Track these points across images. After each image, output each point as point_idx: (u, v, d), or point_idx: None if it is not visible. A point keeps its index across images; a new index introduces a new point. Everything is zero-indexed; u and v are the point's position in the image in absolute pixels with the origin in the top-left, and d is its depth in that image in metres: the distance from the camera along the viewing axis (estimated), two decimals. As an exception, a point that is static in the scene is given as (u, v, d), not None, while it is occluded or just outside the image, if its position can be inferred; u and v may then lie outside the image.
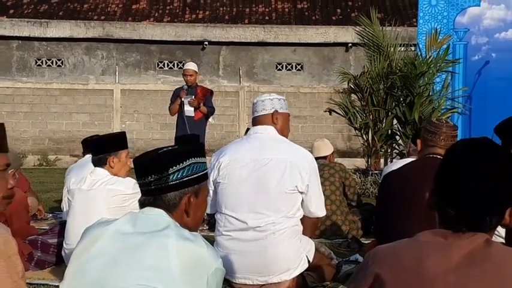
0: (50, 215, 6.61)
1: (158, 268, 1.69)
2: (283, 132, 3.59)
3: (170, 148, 1.94)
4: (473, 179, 1.49)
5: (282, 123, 3.56)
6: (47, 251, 4.34)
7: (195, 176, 1.90)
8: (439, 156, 3.19)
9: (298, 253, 3.46)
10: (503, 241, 2.76)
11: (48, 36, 16.72)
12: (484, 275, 1.43)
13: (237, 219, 3.42)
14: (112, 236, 1.78)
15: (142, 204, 1.88)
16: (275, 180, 3.38)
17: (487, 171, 1.50)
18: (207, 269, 1.73)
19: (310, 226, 3.66)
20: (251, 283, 3.45)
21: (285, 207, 3.39)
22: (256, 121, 3.57)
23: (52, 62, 17.09)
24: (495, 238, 1.68)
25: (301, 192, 3.43)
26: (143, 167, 1.89)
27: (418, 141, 3.47)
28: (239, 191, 3.42)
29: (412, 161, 3.58)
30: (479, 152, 1.53)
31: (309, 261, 3.52)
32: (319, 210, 3.56)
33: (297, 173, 3.39)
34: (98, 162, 3.97)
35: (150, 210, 1.84)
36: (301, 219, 3.59)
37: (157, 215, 1.82)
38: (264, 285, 3.47)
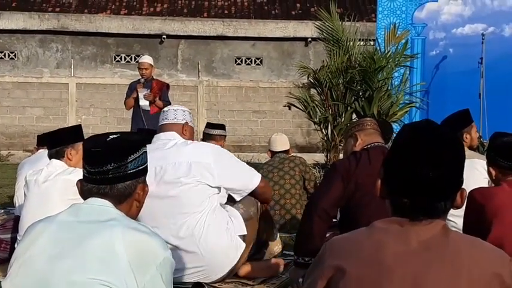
0: (2, 210, 6.43)
1: (105, 260, 1.64)
2: None
3: (124, 135, 1.88)
4: (426, 165, 1.44)
5: (189, 136, 3.70)
6: (-2, 247, 4.19)
7: (146, 165, 1.87)
8: (377, 143, 3.36)
9: (231, 243, 3.49)
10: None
11: (1, 28, 16.25)
12: (442, 263, 1.41)
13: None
14: (56, 228, 1.72)
15: (95, 193, 1.80)
16: (180, 184, 3.43)
17: (439, 156, 1.45)
18: (155, 259, 1.69)
19: (261, 197, 3.73)
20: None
21: (197, 203, 3.44)
22: (164, 128, 3.69)
23: (4, 55, 16.63)
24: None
25: (218, 188, 3.51)
26: (102, 155, 1.80)
27: (354, 138, 3.50)
28: (153, 210, 3.28)
29: (360, 152, 3.49)
30: (428, 137, 1.47)
31: (244, 235, 3.55)
32: (249, 183, 3.64)
33: (203, 171, 3.45)
34: (56, 155, 3.93)
35: (94, 201, 1.79)
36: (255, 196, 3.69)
37: (101, 205, 1.77)
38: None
